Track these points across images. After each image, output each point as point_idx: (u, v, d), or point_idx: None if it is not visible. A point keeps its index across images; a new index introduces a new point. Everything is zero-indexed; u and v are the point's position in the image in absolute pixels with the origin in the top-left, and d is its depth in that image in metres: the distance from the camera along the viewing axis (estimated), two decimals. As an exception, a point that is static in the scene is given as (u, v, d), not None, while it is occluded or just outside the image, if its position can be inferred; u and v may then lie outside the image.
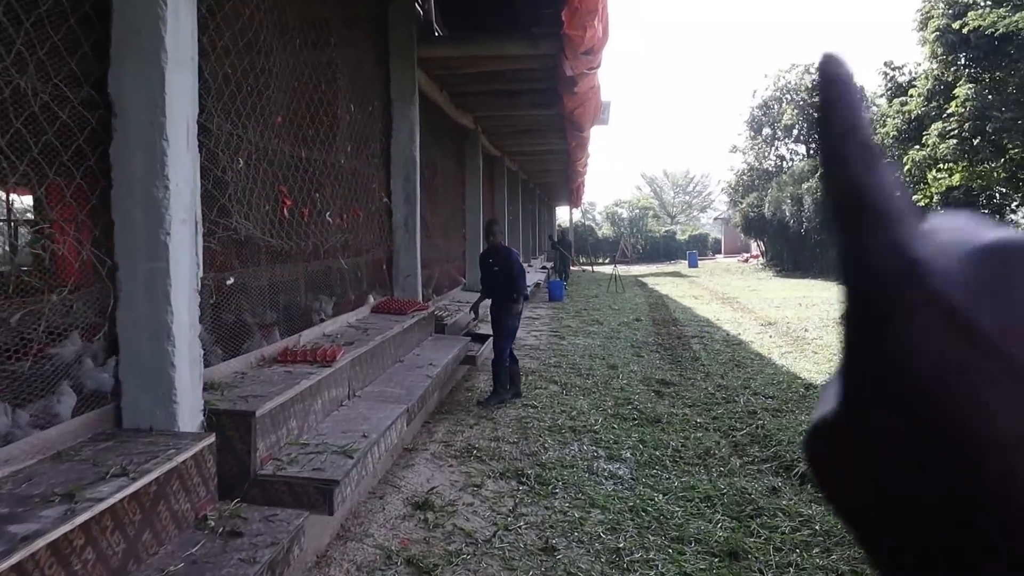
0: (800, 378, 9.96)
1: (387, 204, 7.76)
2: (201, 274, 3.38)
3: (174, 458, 2.88)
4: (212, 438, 3.16)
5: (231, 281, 4.34)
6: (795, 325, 15.53)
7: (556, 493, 5.67)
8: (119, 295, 3.20)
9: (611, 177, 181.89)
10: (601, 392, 9.11)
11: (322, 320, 5.91)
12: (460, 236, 13.49)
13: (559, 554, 4.62)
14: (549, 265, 28.26)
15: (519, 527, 5.03)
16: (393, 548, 4.64)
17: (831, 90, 0.34)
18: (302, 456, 3.73)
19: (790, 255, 36.71)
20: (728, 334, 14.33)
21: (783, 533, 4.98)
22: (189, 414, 3.27)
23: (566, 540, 4.84)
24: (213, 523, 2.96)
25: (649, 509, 5.38)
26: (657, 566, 4.49)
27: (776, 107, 48.94)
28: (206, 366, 4.18)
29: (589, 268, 40.71)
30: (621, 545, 4.74)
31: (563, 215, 49.57)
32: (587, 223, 64.46)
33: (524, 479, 5.93)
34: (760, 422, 7.59)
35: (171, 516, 2.85)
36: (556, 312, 18.15)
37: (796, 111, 47.51)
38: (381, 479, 5.83)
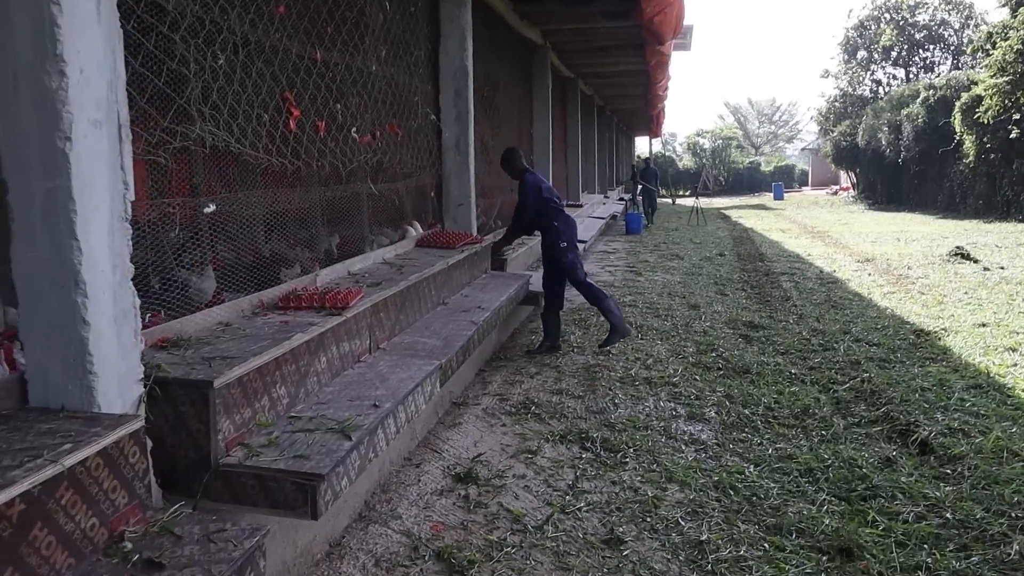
0: (908, 323, 8.76)
1: (435, 122, 6.77)
2: (131, 197, 2.48)
3: (66, 457, 2.02)
4: (138, 423, 2.29)
5: (211, 209, 3.45)
6: (896, 262, 14.13)
7: (626, 463, 4.73)
8: (12, 227, 2.33)
9: (692, 106, 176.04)
10: (681, 336, 8.09)
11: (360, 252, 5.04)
12: (527, 163, 12.44)
13: (626, 548, 3.70)
14: (627, 197, 26.93)
15: (579, 509, 4.12)
16: (422, 536, 3.79)
17: None
18: (286, 436, 2.85)
19: (884, 187, 34.59)
20: (821, 271, 13.07)
21: (906, 522, 3.97)
22: (116, 387, 2.41)
23: (636, 528, 3.91)
24: (130, 545, 2.11)
25: (738, 486, 4.41)
26: (750, 568, 3.54)
27: (873, 27, 46.30)
28: (176, 316, 3.33)
29: (669, 201, 39.29)
30: (704, 537, 3.80)
31: (642, 146, 48.00)
32: (667, 154, 62.53)
33: (588, 444, 5.01)
34: (865, 374, 6.51)
35: (60, 540, 2.00)
36: (633, 246, 17.06)
37: (896, 31, 44.71)
38: (421, 441, 4.98)
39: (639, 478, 4.52)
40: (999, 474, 4.50)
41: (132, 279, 2.53)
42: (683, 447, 5.01)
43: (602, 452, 4.89)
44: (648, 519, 4.01)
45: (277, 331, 3.30)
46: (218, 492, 2.63)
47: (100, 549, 2.10)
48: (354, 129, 4.87)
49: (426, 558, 3.57)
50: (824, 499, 4.26)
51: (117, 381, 2.41)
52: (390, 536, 3.79)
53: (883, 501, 4.21)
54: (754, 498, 4.27)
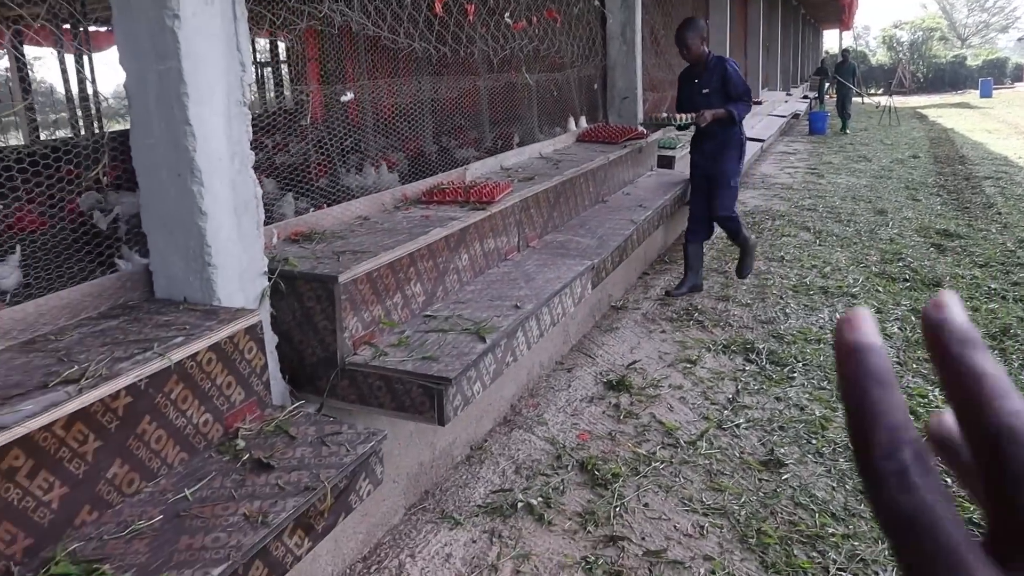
0: None
1: (599, 7, 6.33)
2: (250, 80, 2.32)
3: (175, 350, 1.92)
4: (255, 318, 2.17)
5: (348, 97, 3.28)
6: None
7: (793, 378, 4.36)
8: (130, 113, 2.23)
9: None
10: (864, 243, 7.44)
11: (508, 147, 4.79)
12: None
13: (786, 472, 3.39)
14: (812, 95, 25.15)
15: (737, 425, 3.82)
16: (567, 444, 3.62)
17: (850, 364, 0.33)
18: (417, 336, 2.70)
19: (1116, 79, 30.69)
20: (1033, 175, 11.72)
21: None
22: (237, 280, 2.31)
23: (799, 451, 3.58)
24: (243, 443, 2.02)
25: (920, 411, 3.97)
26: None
27: None
28: (306, 210, 3.22)
29: (860, 99, 36.61)
30: (878, 464, 3.41)
31: (831, 41, 44.76)
32: (859, 48, 58.18)
33: (753, 356, 4.66)
34: (1082, 292, 5.73)
35: (171, 435, 1.93)
36: (816, 147, 15.97)
37: None
38: (574, 345, 4.79)
39: (807, 396, 4.15)
40: None
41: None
42: (859, 363, 4.56)
43: (767, 365, 4.53)
44: (814, 441, 3.66)
45: (416, 225, 3.13)
46: (345, 392, 2.52)
47: (214, 445, 2.03)
48: (507, 14, 4.56)
49: (568, 468, 3.41)
50: (1022, 429, 3.75)
51: (238, 274, 2.31)
52: (533, 442, 3.64)
53: (1095, 435, 3.66)
54: (937, 424, 3.82)
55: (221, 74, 2.23)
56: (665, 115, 6.06)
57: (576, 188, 4.71)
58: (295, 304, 2.52)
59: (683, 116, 5.78)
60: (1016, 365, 4.54)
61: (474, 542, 2.90)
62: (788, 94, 24.01)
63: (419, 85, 4.00)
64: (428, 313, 2.94)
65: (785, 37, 24.88)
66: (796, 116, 20.47)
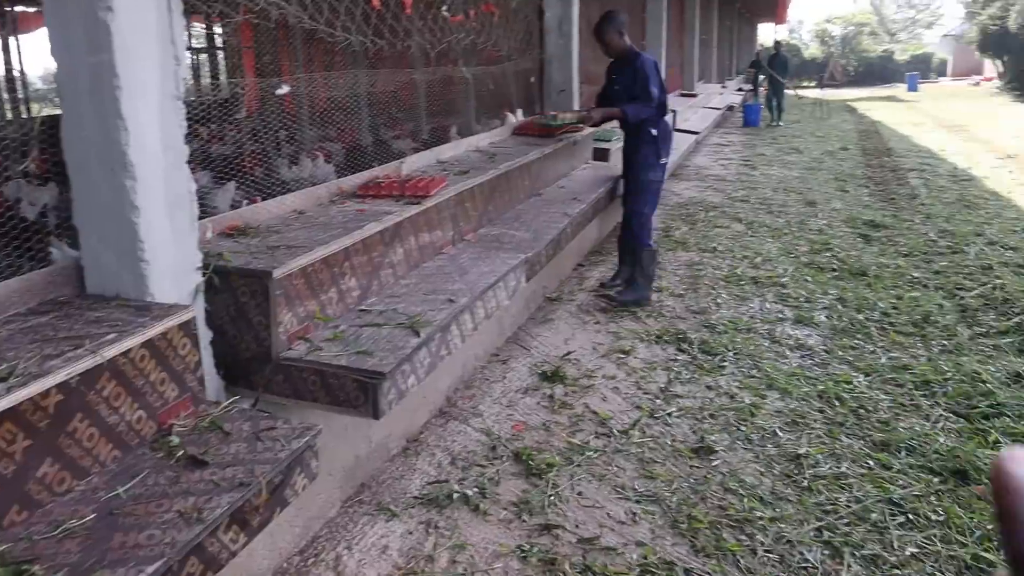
0: (1052, 226, 8.01)
1: (536, 1, 6.37)
2: (184, 73, 2.31)
3: (108, 347, 1.92)
4: (189, 314, 2.17)
5: (284, 90, 3.27)
6: (1042, 158, 13.00)
7: (724, 367, 4.48)
8: (62, 107, 2.20)
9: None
10: (794, 234, 7.65)
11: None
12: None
13: (716, 458, 3.49)
14: (746, 88, 25.54)
15: (669, 414, 3.91)
16: (502, 435, 3.67)
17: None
18: (352, 331, 2.72)
19: (1035, 77, 31.89)
20: (955, 168, 12.12)
21: (1033, 443, 3.60)
22: (171, 275, 2.30)
23: (728, 438, 3.69)
24: (177, 440, 2.02)
25: (845, 396, 4.11)
26: (851, 487, 3.28)
27: None
28: (240, 204, 3.21)
29: (793, 92, 37.30)
30: (803, 450, 3.55)
31: (766, 34, 45.61)
32: (793, 42, 59.30)
33: (685, 345, 4.77)
34: (997, 280, 5.96)
35: (103, 432, 1.92)
36: (750, 139, 16.30)
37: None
38: (510, 337, 4.84)
39: (737, 384, 4.27)
40: None
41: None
42: (787, 352, 4.71)
43: (699, 354, 4.64)
44: (743, 428, 3.78)
45: (351, 220, 3.14)
46: (279, 387, 2.53)
47: (147, 442, 2.03)
48: (445, 7, 4.58)
49: (503, 458, 3.46)
50: (940, 415, 3.92)
51: (172, 269, 2.30)
52: (469, 434, 3.69)
53: (1008, 420, 3.85)
54: (861, 410, 3.98)
55: (155, 67, 2.21)
56: (552, 114, 6.02)
57: (511, 182, 4.75)
58: (230, 299, 2.52)
59: (568, 115, 5.79)
60: (936, 351, 4.72)
61: (410, 533, 2.94)
62: (723, 87, 24.35)
63: (356, 78, 3.98)
64: (363, 307, 2.96)
65: (721, 30, 25.23)
66: (731, 108, 20.79)
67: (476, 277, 3.36)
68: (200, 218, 2.88)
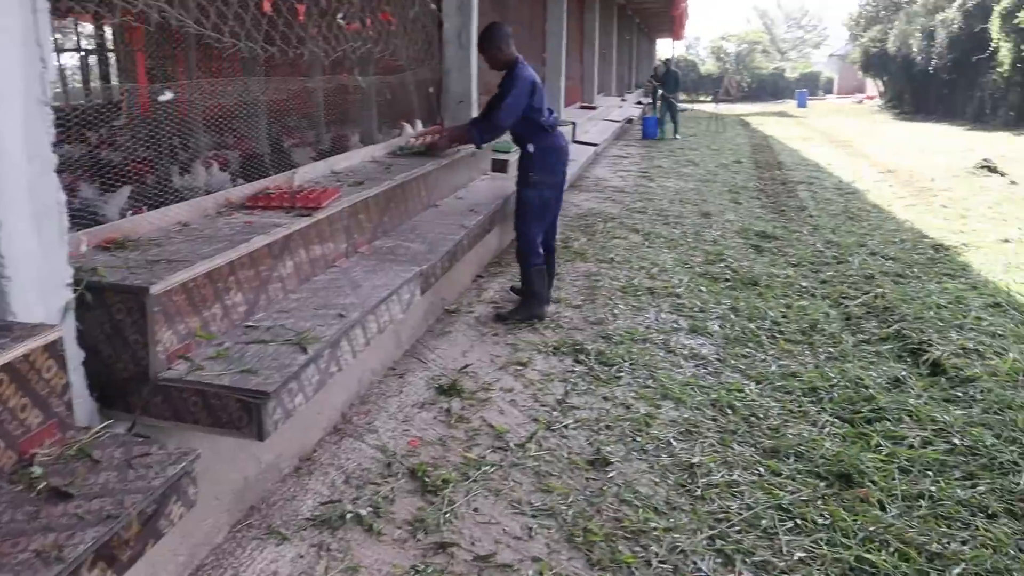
0: (928, 237, 8.42)
1: (435, 11, 6.32)
2: (51, 77, 2.18)
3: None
4: (55, 334, 2.04)
5: (167, 96, 3.14)
6: (919, 174, 13.68)
7: (620, 378, 4.52)
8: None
9: (719, 10, 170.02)
10: (690, 245, 7.81)
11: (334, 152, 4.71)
12: (539, 60, 11.88)
13: (612, 469, 3.51)
14: (645, 101, 26.07)
15: (565, 426, 3.92)
16: (398, 451, 3.60)
17: None
18: (237, 348, 2.61)
19: (912, 96, 33.78)
20: (840, 181, 12.67)
21: (911, 448, 3.75)
22: (36, 292, 2.16)
23: (624, 448, 3.71)
24: (39, 470, 1.89)
25: (737, 404, 4.20)
26: (742, 494, 3.34)
27: (912, -75, 44.37)
28: (122, 216, 3.07)
29: (689, 106, 38.32)
30: (696, 459, 3.60)
31: (664, 50, 46.86)
32: (690, 58, 61.05)
33: (583, 357, 4.79)
34: (879, 289, 6.23)
35: (-44, 464, 1.78)
36: (648, 151, 16.61)
37: (936, -71, 42.94)
38: (407, 350, 4.77)
39: (632, 394, 4.31)
40: (1013, 399, 4.26)
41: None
42: (682, 362, 4.79)
43: (596, 365, 4.67)
44: (638, 439, 3.81)
45: (238, 232, 3.03)
46: (158, 409, 2.41)
47: (5, 475, 1.89)
48: (340, 15, 4.49)
49: (399, 475, 3.39)
50: (826, 420, 4.05)
51: (38, 286, 2.16)
52: (364, 451, 3.60)
53: (888, 424, 4.00)
54: (752, 418, 4.06)
55: (17, 70, 2.07)
56: (409, 142, 5.67)
57: (408, 193, 4.69)
58: (104, 317, 2.39)
59: (417, 142, 5.49)
60: (823, 357, 4.87)
61: (301, 557, 2.84)
62: (623, 99, 24.80)
63: (246, 84, 3.86)
64: (250, 324, 2.85)
65: (621, 45, 25.72)
66: (630, 121, 21.18)
67: (369, 291, 3.29)
68: (76, 230, 2.74)
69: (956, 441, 3.82)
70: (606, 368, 4.63)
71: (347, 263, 3.72)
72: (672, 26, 32.46)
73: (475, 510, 3.17)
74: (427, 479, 3.34)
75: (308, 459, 3.51)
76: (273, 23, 3.78)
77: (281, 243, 3.11)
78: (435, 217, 4.95)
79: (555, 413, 4.06)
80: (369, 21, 4.93)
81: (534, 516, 3.15)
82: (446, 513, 3.12)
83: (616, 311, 5.65)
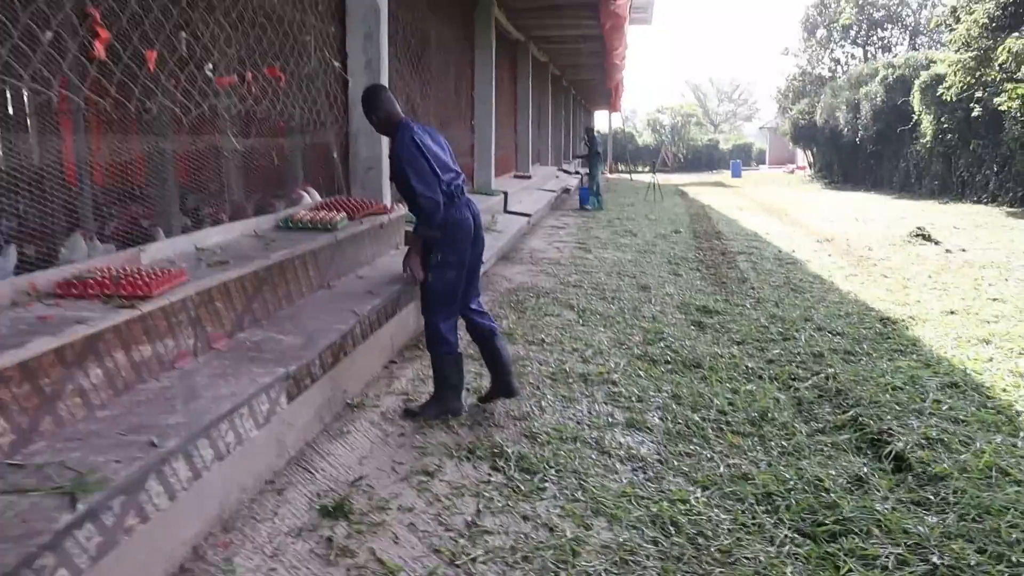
0: (873, 309, 7.96)
1: (339, 70, 5.70)
2: None
3: None
4: None
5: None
6: (856, 242, 13.49)
7: (544, 489, 3.80)
8: None
9: (654, 84, 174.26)
10: (627, 322, 7.20)
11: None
12: (466, 128, 11.35)
13: (527, 624, 2.76)
14: (584, 171, 25.89)
15: (474, 560, 3.17)
16: (256, 604, 2.81)
17: None
18: (-19, 501, 1.85)
19: (840, 166, 34.84)
20: (780, 251, 12.33)
21: (885, 570, 3.10)
22: None
23: (543, 589, 2.97)
24: None
25: (681, 520, 3.51)
26: (691, 654, 2.62)
27: (833, 6, 45.95)
28: None
29: (628, 176, 38.50)
30: (633, 603, 2.87)
31: (601, 121, 47.49)
32: (627, 130, 62.13)
33: (501, 462, 4.07)
34: (829, 369, 5.70)
35: None
36: (586, 221, 16.19)
37: (855, 10, 44.54)
38: (293, 457, 3.98)
39: (558, 511, 3.59)
40: (990, 501, 3.66)
41: None
42: (618, 465, 4.10)
43: (516, 474, 3.94)
44: (562, 574, 3.08)
45: (18, 333, 2.28)
46: None
47: None
48: (209, 66, 3.83)
49: (249, 644, 2.61)
50: (786, 537, 3.39)
51: None
52: (210, 604, 2.81)
53: (856, 539, 3.35)
54: (700, 538, 3.38)
55: None
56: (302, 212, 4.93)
57: (289, 273, 3.97)
58: None
59: (312, 215, 4.78)
60: (776, 453, 4.26)
61: None
62: (560, 169, 24.55)
63: (77, 143, 3.15)
64: (15, 460, 2.09)
65: (556, 115, 25.58)
66: (567, 191, 20.83)
67: (208, 403, 2.55)
68: None
69: (936, 560, 3.18)
70: (528, 477, 3.92)
71: (193, 364, 2.98)
72: (609, 98, 32.73)
73: None
74: (284, 649, 2.56)
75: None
76: (107, 71, 3.09)
77: (82, 345, 2.37)
78: (324, 302, 4.22)
79: (462, 541, 3.31)
80: (250, 75, 4.27)
81: None
82: None
83: (544, 403, 4.96)
